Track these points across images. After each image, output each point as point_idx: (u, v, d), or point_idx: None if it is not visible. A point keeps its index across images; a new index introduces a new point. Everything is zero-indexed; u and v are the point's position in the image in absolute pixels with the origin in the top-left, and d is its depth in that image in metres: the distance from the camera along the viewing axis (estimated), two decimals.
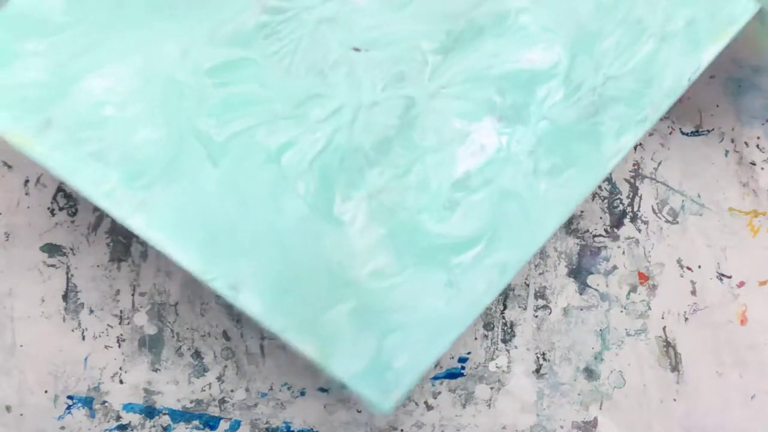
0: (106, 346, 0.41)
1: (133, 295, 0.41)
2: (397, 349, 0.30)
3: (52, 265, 0.41)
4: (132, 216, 0.28)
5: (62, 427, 0.40)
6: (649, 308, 0.42)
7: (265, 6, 0.29)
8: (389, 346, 0.30)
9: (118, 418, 0.40)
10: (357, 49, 0.30)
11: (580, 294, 0.42)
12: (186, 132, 0.29)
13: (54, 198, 0.42)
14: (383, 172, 0.30)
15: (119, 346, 0.41)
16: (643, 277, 0.43)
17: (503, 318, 0.42)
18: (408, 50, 0.30)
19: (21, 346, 0.40)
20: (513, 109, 0.31)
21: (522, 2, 0.31)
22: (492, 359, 0.42)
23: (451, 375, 0.41)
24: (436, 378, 0.41)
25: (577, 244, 0.43)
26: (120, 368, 0.40)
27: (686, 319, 0.42)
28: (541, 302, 0.42)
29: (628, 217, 0.44)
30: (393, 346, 0.30)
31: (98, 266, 0.41)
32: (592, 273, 0.43)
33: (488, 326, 0.42)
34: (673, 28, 0.32)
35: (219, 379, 0.41)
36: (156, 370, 0.41)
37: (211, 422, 0.40)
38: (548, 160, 0.31)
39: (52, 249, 0.41)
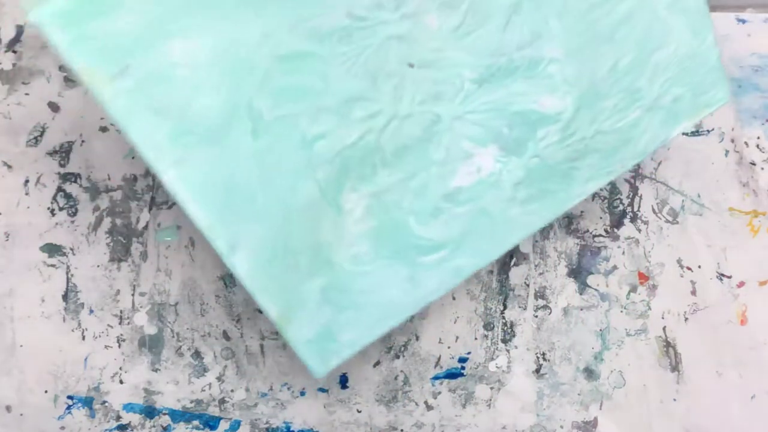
0: (106, 346, 0.41)
1: (133, 295, 0.41)
2: (346, 326, 0.34)
3: (52, 265, 0.41)
4: (167, 170, 0.30)
5: (62, 427, 0.40)
6: (649, 308, 0.42)
7: (351, 12, 0.32)
8: (341, 322, 0.33)
9: (118, 418, 0.40)
10: (411, 65, 0.33)
11: (580, 294, 0.43)
12: (241, 106, 0.31)
13: (54, 198, 0.42)
14: (392, 174, 0.34)
15: (119, 346, 0.41)
16: (643, 277, 0.43)
17: (503, 318, 0.42)
18: (452, 75, 0.34)
19: (21, 346, 0.40)
20: (515, 142, 0.35)
21: (557, 54, 0.35)
22: (492, 359, 0.42)
23: (451, 375, 0.41)
24: (436, 378, 0.41)
25: (577, 244, 0.43)
26: (120, 368, 0.40)
27: (686, 319, 0.42)
28: (541, 302, 0.42)
29: (628, 217, 0.44)
30: (344, 322, 0.33)
31: (98, 266, 0.41)
32: (592, 273, 0.43)
33: (488, 326, 0.42)
34: (662, 102, 0.37)
35: (219, 379, 0.41)
36: (156, 370, 0.41)
37: (211, 422, 0.40)
38: (526, 191, 0.35)
39: (52, 249, 0.41)
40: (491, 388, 0.41)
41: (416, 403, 0.41)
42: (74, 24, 0.28)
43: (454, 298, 0.42)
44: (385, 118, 0.33)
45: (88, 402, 0.40)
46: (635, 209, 0.44)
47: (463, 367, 0.41)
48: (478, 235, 0.35)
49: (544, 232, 0.43)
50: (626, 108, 0.37)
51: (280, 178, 0.32)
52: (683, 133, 0.45)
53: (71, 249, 0.41)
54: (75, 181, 0.42)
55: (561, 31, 0.35)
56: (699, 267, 0.43)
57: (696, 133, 0.45)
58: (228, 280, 0.41)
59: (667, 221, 0.44)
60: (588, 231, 0.43)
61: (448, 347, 0.42)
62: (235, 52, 0.31)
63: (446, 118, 0.34)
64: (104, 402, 0.40)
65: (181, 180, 0.31)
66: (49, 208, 0.41)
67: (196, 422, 0.40)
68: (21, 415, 0.40)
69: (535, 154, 0.35)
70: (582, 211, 0.44)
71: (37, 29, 0.28)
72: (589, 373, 0.42)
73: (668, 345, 0.42)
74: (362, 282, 0.33)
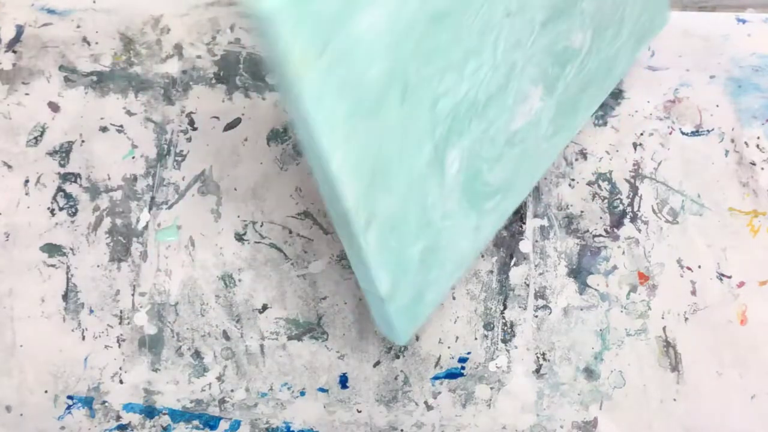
0: (106, 346, 0.41)
1: (133, 295, 0.41)
2: (431, 285, 0.33)
3: (52, 265, 0.41)
4: (335, 152, 0.28)
5: (62, 427, 0.40)
6: (649, 308, 0.42)
7: None
8: (429, 282, 0.33)
9: (118, 418, 0.40)
10: (508, 14, 0.33)
11: (580, 294, 0.42)
12: (397, 70, 0.29)
13: (54, 198, 0.42)
14: (479, 125, 0.33)
15: (119, 346, 0.41)
16: (643, 277, 0.43)
17: (503, 318, 0.42)
18: (528, 21, 0.34)
19: (21, 346, 0.40)
20: (553, 80, 0.36)
21: None
22: (492, 359, 0.42)
23: (451, 375, 0.41)
24: (436, 378, 0.41)
25: (577, 244, 0.43)
26: (120, 368, 0.40)
27: (686, 319, 0.42)
28: (541, 302, 0.42)
29: (628, 217, 0.44)
30: (431, 282, 0.33)
31: (98, 266, 0.41)
32: (592, 273, 0.43)
33: (488, 326, 0.42)
34: (633, 29, 0.40)
35: (219, 379, 0.41)
36: (156, 370, 0.41)
37: (211, 422, 0.40)
38: (552, 127, 0.37)
39: (52, 249, 0.41)
40: (491, 388, 0.41)
41: (416, 403, 0.41)
42: (298, 5, 0.25)
43: (454, 298, 0.42)
44: (485, 69, 0.32)
45: (88, 402, 0.40)
46: (635, 209, 0.44)
47: (463, 367, 0.41)
48: (520, 175, 0.36)
49: (544, 232, 0.43)
50: (615, 36, 0.38)
51: (411, 143, 0.30)
52: (683, 133, 0.45)
53: (71, 249, 0.41)
54: (75, 181, 0.42)
55: None
56: (699, 267, 0.43)
57: (696, 133, 0.45)
58: (228, 280, 0.41)
59: (667, 221, 0.44)
60: (588, 231, 0.43)
61: (448, 347, 0.42)
62: (402, 15, 0.28)
63: (520, 63, 0.34)
64: (104, 402, 0.40)
65: (344, 161, 0.28)
66: (49, 208, 0.41)
67: (196, 422, 0.40)
68: (21, 415, 0.40)
69: (562, 90, 0.36)
70: (582, 211, 0.44)
71: (254, 19, 0.26)
72: (589, 373, 0.42)
73: (668, 345, 0.42)
74: (446, 237, 0.33)
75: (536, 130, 0.36)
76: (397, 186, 0.30)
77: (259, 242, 0.42)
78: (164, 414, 0.40)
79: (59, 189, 0.42)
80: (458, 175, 0.33)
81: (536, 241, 0.43)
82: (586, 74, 0.38)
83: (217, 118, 0.44)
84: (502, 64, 0.33)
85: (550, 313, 0.42)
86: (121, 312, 0.41)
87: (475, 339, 0.42)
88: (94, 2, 0.44)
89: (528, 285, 0.43)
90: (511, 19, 0.33)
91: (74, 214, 0.42)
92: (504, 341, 0.42)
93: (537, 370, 0.42)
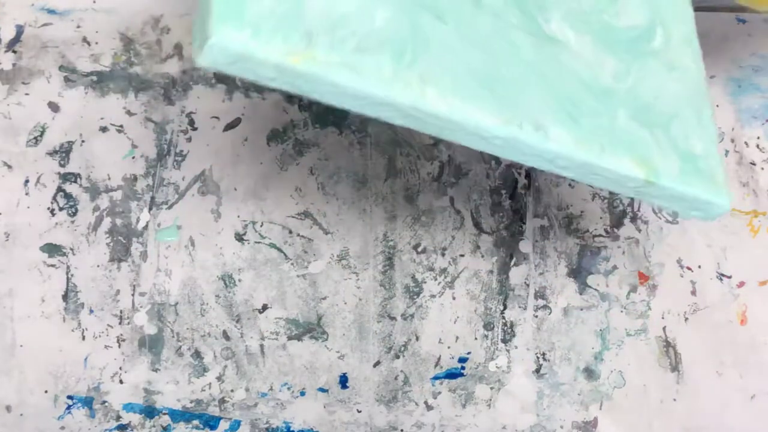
0: (106, 346, 0.41)
1: (133, 295, 0.41)
2: (684, 137, 0.31)
3: (52, 265, 0.41)
4: (424, 93, 0.27)
5: (62, 427, 0.40)
6: (649, 308, 0.42)
7: None
8: (677, 137, 0.31)
9: (118, 418, 0.40)
10: None
11: (580, 294, 0.42)
12: (408, 4, 0.28)
13: (54, 198, 0.42)
14: None
15: (119, 346, 0.41)
16: (643, 277, 0.43)
17: (503, 318, 0.42)
18: None
19: (21, 346, 0.40)
20: None
21: None
22: (492, 359, 0.42)
23: (451, 375, 0.41)
24: (436, 378, 0.41)
25: (577, 244, 0.43)
26: (120, 368, 0.40)
27: (686, 319, 0.42)
28: (541, 302, 0.42)
29: (628, 217, 0.44)
30: (679, 136, 0.31)
31: (98, 266, 0.41)
32: (592, 273, 0.43)
33: (488, 326, 0.42)
34: None
35: (219, 379, 0.41)
36: (156, 370, 0.41)
37: (211, 422, 0.40)
38: None
39: (52, 249, 0.41)
40: (491, 388, 0.41)
41: (416, 403, 0.41)
42: (240, 24, 0.25)
43: (454, 298, 0.42)
44: None
45: (88, 402, 0.40)
46: (635, 209, 0.44)
47: (463, 367, 0.41)
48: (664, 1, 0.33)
49: (544, 232, 0.43)
50: None
51: (495, 43, 0.29)
52: None
53: (71, 249, 0.41)
54: (75, 181, 0.42)
55: None
56: (699, 267, 0.43)
57: None
58: (228, 280, 0.41)
59: (667, 221, 0.44)
60: (588, 231, 0.43)
61: (448, 347, 0.42)
62: None
63: None
64: (104, 402, 0.40)
65: (444, 94, 0.27)
66: (49, 208, 0.41)
67: (196, 422, 0.40)
68: (21, 415, 0.40)
69: None
70: (582, 211, 0.44)
71: (219, 58, 0.25)
72: (589, 373, 0.42)
73: (668, 345, 0.42)
74: (645, 93, 0.31)
75: None
76: (529, 85, 0.29)
77: (259, 242, 0.42)
78: (164, 414, 0.40)
79: (59, 189, 0.42)
80: (584, 39, 0.31)
81: (536, 241, 0.43)
82: None
83: (217, 118, 0.44)
84: None
85: (550, 313, 0.42)
86: (121, 312, 0.41)
87: (475, 339, 0.42)
88: (94, 2, 0.44)
89: (528, 285, 0.43)
90: None
91: (74, 214, 0.42)
92: (504, 341, 0.42)
93: (537, 370, 0.42)
